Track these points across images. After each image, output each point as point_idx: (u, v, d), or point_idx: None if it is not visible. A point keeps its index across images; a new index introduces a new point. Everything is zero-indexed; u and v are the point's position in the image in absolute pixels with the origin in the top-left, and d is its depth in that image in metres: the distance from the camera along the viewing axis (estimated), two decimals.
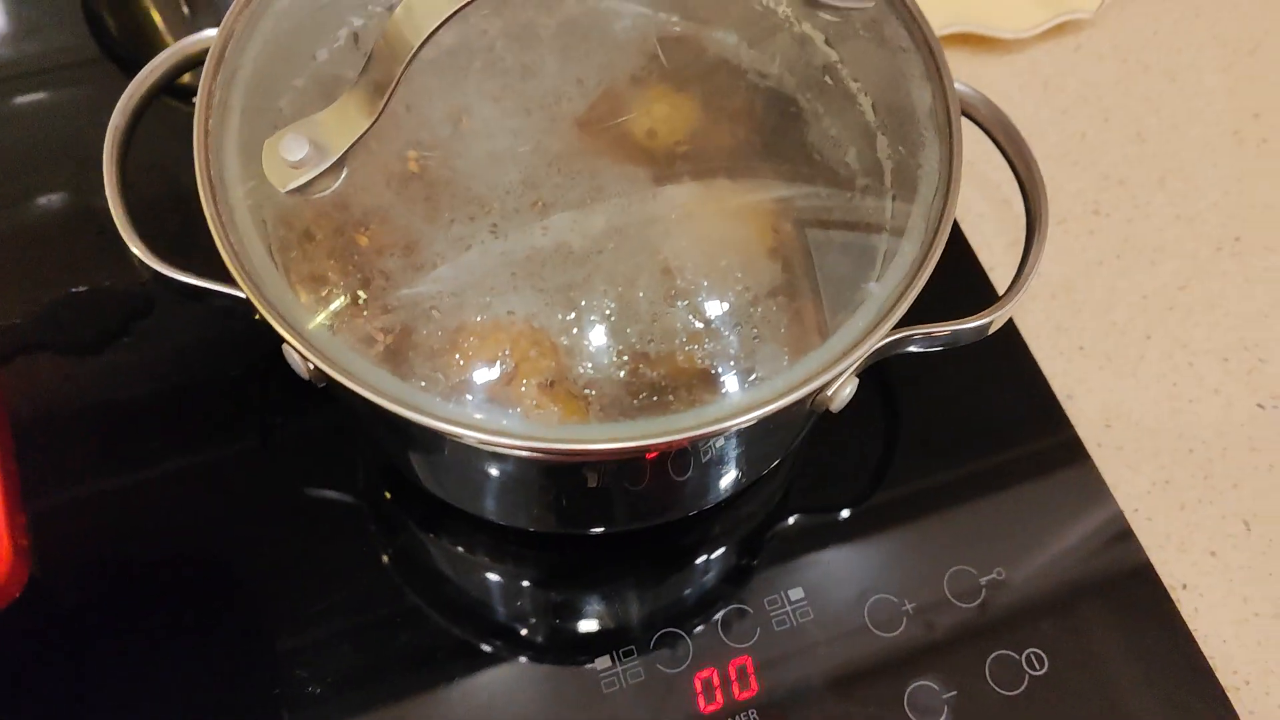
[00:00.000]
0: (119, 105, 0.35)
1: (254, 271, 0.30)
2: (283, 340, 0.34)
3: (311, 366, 0.34)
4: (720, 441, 0.35)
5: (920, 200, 0.34)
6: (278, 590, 0.40)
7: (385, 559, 0.41)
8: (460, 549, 0.42)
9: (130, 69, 0.53)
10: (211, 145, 0.32)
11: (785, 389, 0.31)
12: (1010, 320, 0.46)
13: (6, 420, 0.28)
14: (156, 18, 0.58)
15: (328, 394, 0.34)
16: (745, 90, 0.37)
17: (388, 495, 0.43)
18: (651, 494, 0.38)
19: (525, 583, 0.41)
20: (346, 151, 0.31)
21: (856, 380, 0.35)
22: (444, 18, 0.29)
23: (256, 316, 0.33)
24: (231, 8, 0.34)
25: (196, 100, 0.33)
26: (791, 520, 0.43)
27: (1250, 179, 0.52)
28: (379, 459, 0.43)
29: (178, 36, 0.56)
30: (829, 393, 0.35)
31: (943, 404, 0.45)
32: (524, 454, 0.31)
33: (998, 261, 0.48)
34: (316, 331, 0.30)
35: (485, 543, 0.42)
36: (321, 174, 0.31)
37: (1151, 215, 0.50)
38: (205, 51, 0.36)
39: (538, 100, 0.36)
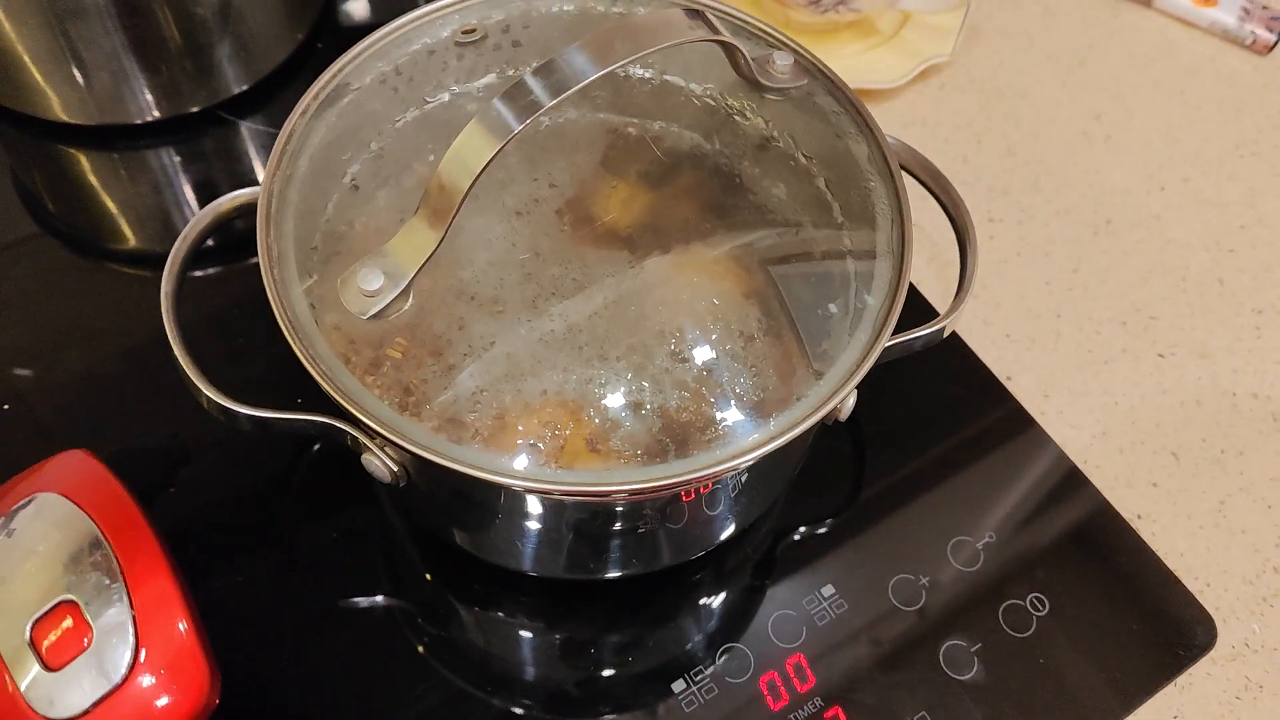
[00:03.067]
0: (166, 269, 0.39)
1: (349, 391, 0.35)
2: (365, 450, 0.38)
3: (396, 468, 0.38)
4: (758, 466, 0.40)
5: (880, 232, 0.40)
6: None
7: (442, 647, 0.45)
8: (520, 618, 0.46)
9: (71, 242, 0.57)
10: (278, 291, 0.36)
11: (816, 405, 0.36)
12: None
13: (164, 551, 0.31)
14: (96, 185, 0.61)
15: (372, 501, 0.38)
16: (701, 170, 0.44)
17: (428, 576, 0.47)
18: (695, 527, 0.43)
19: (591, 634, 0.46)
20: (414, 276, 0.35)
21: (856, 391, 0.42)
22: (489, 159, 0.34)
23: (347, 439, 0.38)
24: (265, 176, 0.39)
25: (259, 253, 0.37)
26: (806, 530, 0.48)
27: (1105, 169, 0.61)
28: (430, 550, 0.47)
29: (118, 201, 0.60)
30: (837, 406, 0.41)
31: (906, 404, 0.52)
32: (596, 499, 0.36)
33: (921, 278, 0.56)
34: (414, 431, 0.35)
35: (541, 606, 0.46)
36: (393, 300, 0.36)
37: (1035, 214, 0.59)
38: (238, 207, 0.41)
39: (517, 207, 0.42)
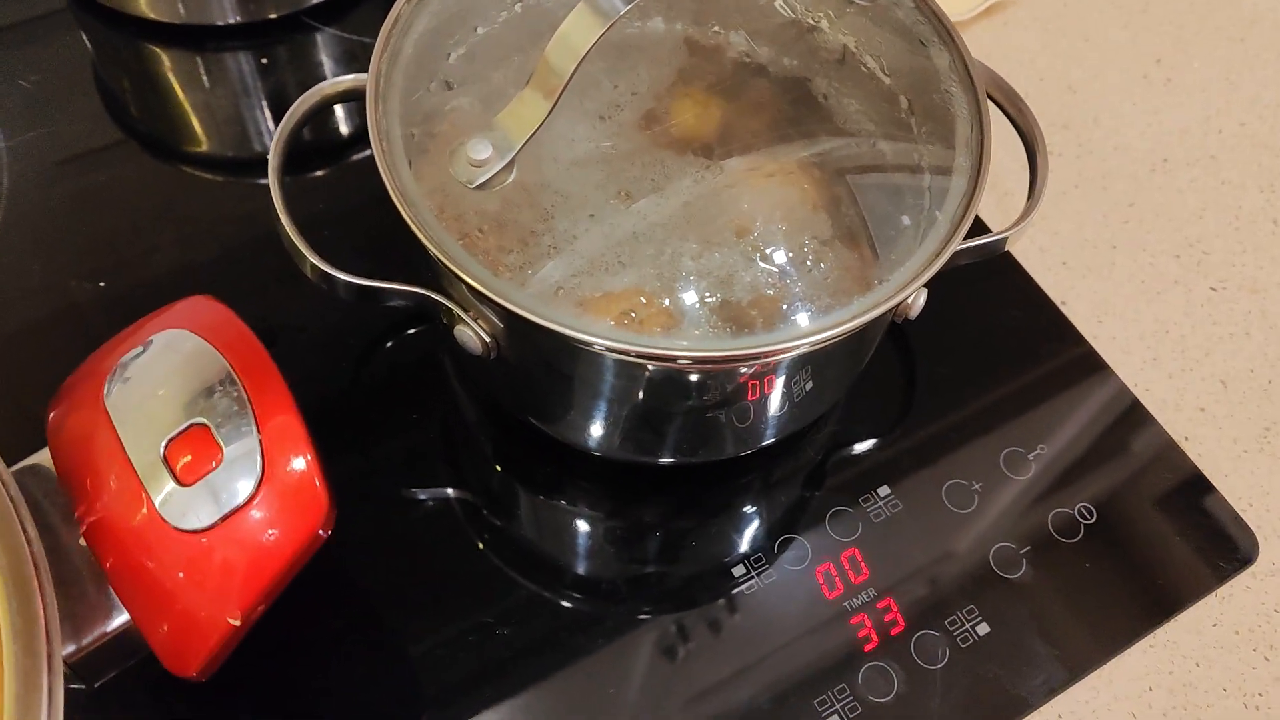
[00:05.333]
0: (274, 142, 0.41)
1: (454, 255, 0.36)
2: (458, 322, 0.40)
3: (488, 339, 0.40)
4: (826, 354, 0.42)
5: (958, 137, 0.42)
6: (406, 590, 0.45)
7: (512, 535, 0.47)
8: (585, 506, 0.48)
9: (151, 146, 0.59)
10: (388, 163, 0.38)
11: (889, 294, 0.38)
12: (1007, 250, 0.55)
13: (289, 391, 0.33)
14: (177, 87, 0.62)
15: (487, 368, 0.40)
16: (780, 80, 0.45)
17: (498, 468, 0.49)
18: (764, 415, 0.44)
19: (656, 519, 0.48)
20: (520, 148, 0.37)
21: (926, 291, 0.43)
22: (597, 37, 0.36)
23: (440, 310, 0.39)
24: (374, 56, 0.40)
25: (369, 128, 0.38)
26: (865, 434, 0.50)
27: (1164, 111, 0.62)
28: (502, 440, 0.49)
29: (198, 106, 0.61)
30: (909, 300, 0.43)
31: (966, 323, 0.53)
32: (678, 366, 0.37)
33: (982, 205, 0.57)
34: (513, 292, 0.36)
35: (609, 492, 0.48)
36: (499, 170, 0.37)
37: (1094, 150, 0.60)
38: (342, 92, 0.42)
39: (600, 111, 0.43)
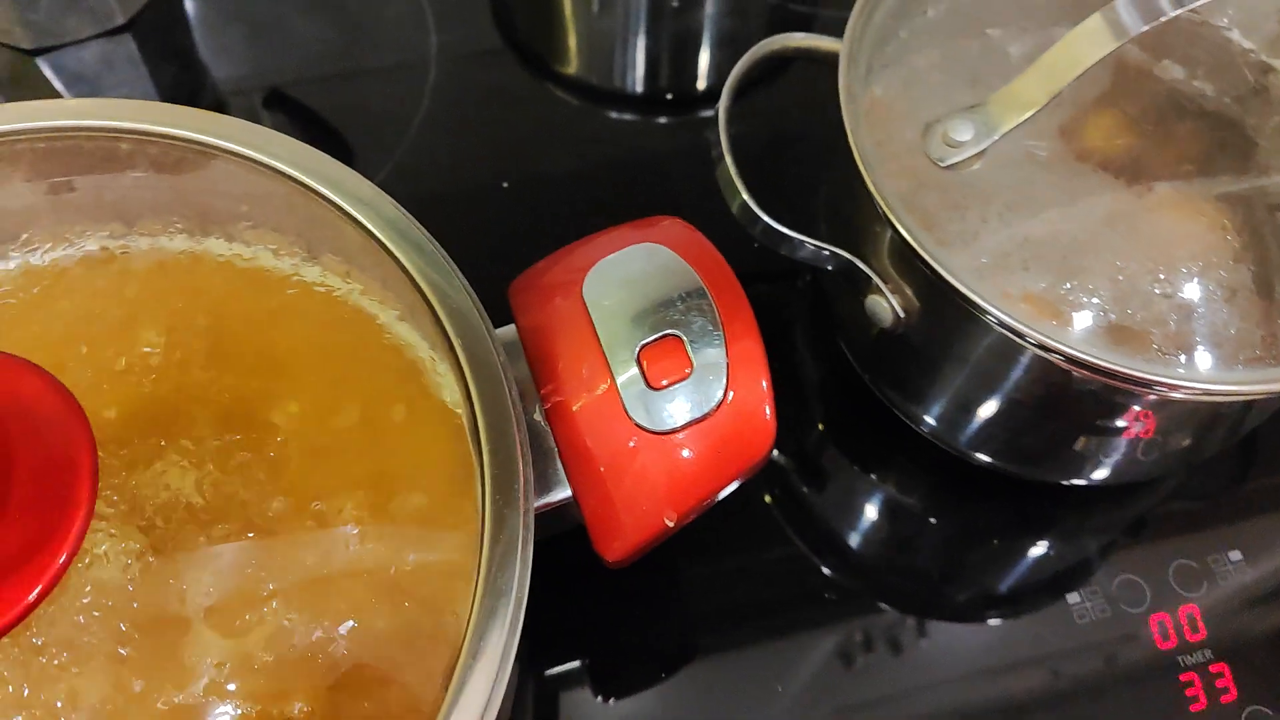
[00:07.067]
0: (731, 79, 0.43)
1: (909, 226, 0.37)
2: (873, 291, 0.41)
3: (902, 313, 0.41)
4: (1233, 408, 0.41)
5: None
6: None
7: (814, 500, 0.48)
8: (898, 488, 0.49)
9: (529, 59, 0.61)
10: (854, 126, 0.39)
11: None
12: None
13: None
14: (567, 11, 0.65)
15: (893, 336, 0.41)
16: (1219, 119, 0.44)
17: (820, 427, 0.50)
18: (1139, 449, 0.43)
19: (990, 525, 0.47)
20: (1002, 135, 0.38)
21: None
22: (1103, 55, 0.36)
23: (860, 275, 0.40)
24: (851, 20, 0.41)
25: (840, 89, 0.40)
26: (1218, 491, 0.48)
27: None
28: (836, 407, 0.50)
29: (581, 29, 0.64)
30: None
31: None
32: (1099, 378, 0.37)
33: None
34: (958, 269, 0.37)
35: (933, 481, 0.48)
36: (974, 154, 0.38)
37: None
38: (795, 48, 0.44)
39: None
